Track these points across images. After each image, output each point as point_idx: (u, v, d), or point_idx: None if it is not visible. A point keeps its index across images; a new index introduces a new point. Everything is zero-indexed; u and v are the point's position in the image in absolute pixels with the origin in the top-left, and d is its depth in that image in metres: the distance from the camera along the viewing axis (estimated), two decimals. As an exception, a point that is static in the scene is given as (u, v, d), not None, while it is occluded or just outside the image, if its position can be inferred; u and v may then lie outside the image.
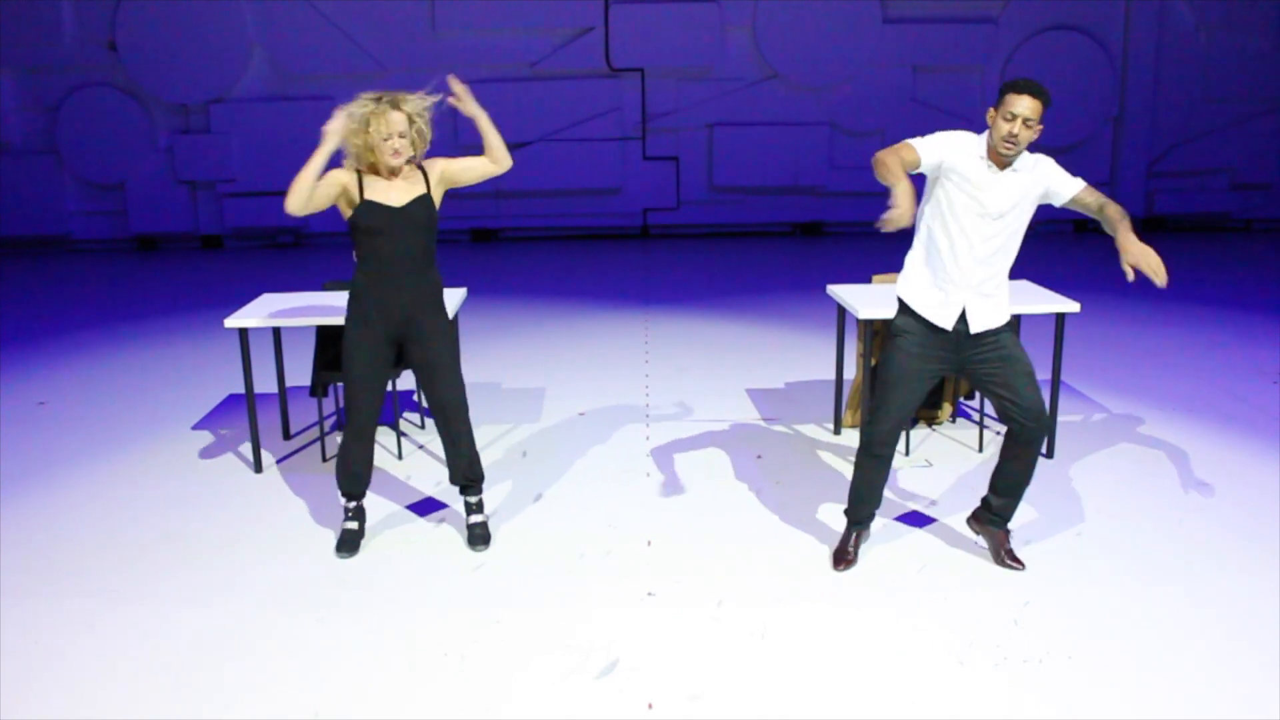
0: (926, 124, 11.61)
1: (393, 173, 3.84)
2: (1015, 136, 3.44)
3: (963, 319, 3.60)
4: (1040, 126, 3.51)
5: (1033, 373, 3.68)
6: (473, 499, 4.17)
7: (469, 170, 4.00)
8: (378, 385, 4.00)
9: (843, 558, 3.89)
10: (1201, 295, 8.75)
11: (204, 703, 3.09)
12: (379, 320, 3.90)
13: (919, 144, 3.51)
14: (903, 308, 3.70)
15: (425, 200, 3.88)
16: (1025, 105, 3.45)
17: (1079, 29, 11.82)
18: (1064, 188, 3.61)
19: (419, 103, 3.85)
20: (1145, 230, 12.43)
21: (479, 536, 4.12)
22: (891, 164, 3.37)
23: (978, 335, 3.62)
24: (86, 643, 3.43)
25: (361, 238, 3.86)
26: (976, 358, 3.66)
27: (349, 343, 3.94)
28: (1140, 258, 3.41)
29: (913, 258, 3.71)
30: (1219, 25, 11.86)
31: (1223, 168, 12.24)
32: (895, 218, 3.19)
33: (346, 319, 3.97)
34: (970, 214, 3.52)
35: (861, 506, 3.90)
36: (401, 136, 3.78)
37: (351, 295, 3.95)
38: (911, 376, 3.68)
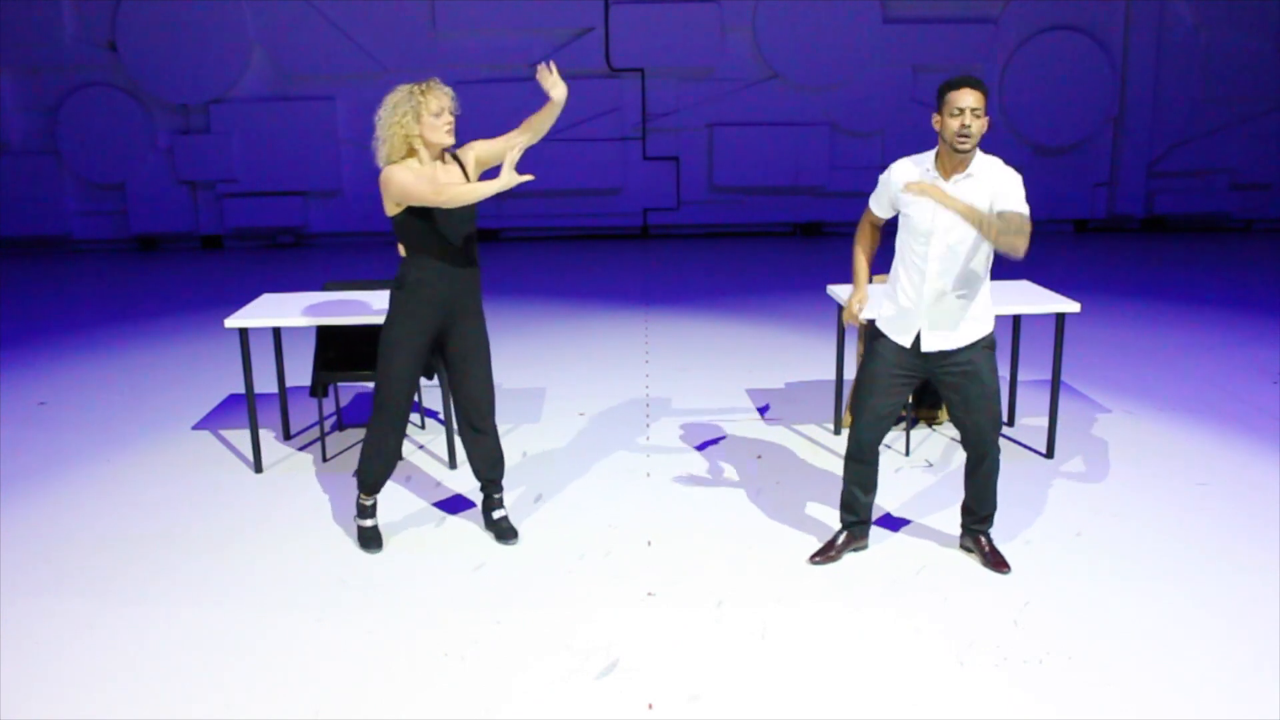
0: (926, 124, 11.61)
1: (436, 158, 3.80)
2: (968, 128, 3.41)
3: (919, 338, 3.67)
4: (987, 117, 3.48)
5: (992, 395, 3.69)
6: (496, 494, 4.20)
7: (501, 151, 3.96)
8: (416, 381, 4.01)
9: (822, 552, 3.95)
10: (1201, 295, 8.75)
11: (204, 703, 3.09)
12: (428, 315, 3.87)
13: (872, 202, 3.77)
14: (873, 324, 3.87)
15: None
16: (969, 97, 3.42)
17: (1079, 29, 11.81)
18: (1008, 204, 3.42)
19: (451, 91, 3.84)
20: (1145, 230, 12.45)
21: (507, 530, 4.16)
22: (859, 257, 3.87)
23: (936, 354, 3.67)
24: (86, 643, 3.43)
25: (412, 233, 3.81)
26: (940, 371, 3.71)
27: (394, 338, 3.88)
28: (931, 191, 3.36)
29: (890, 287, 3.79)
30: (1219, 25, 11.85)
31: (1223, 168, 12.23)
32: (848, 318, 3.82)
33: (392, 314, 3.89)
34: (916, 231, 3.58)
35: (844, 511, 3.98)
36: (451, 113, 3.76)
37: (400, 289, 3.86)
38: (883, 381, 3.74)
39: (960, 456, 4.99)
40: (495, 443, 4.14)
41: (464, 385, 4.04)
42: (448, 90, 3.79)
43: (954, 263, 3.56)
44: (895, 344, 3.70)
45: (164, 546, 4.16)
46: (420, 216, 3.78)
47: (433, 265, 3.84)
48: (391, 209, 3.79)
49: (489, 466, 4.15)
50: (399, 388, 3.93)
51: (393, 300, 3.92)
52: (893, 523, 4.27)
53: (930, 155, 3.58)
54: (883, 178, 3.70)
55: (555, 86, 3.90)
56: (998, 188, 3.46)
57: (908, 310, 3.65)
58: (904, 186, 3.45)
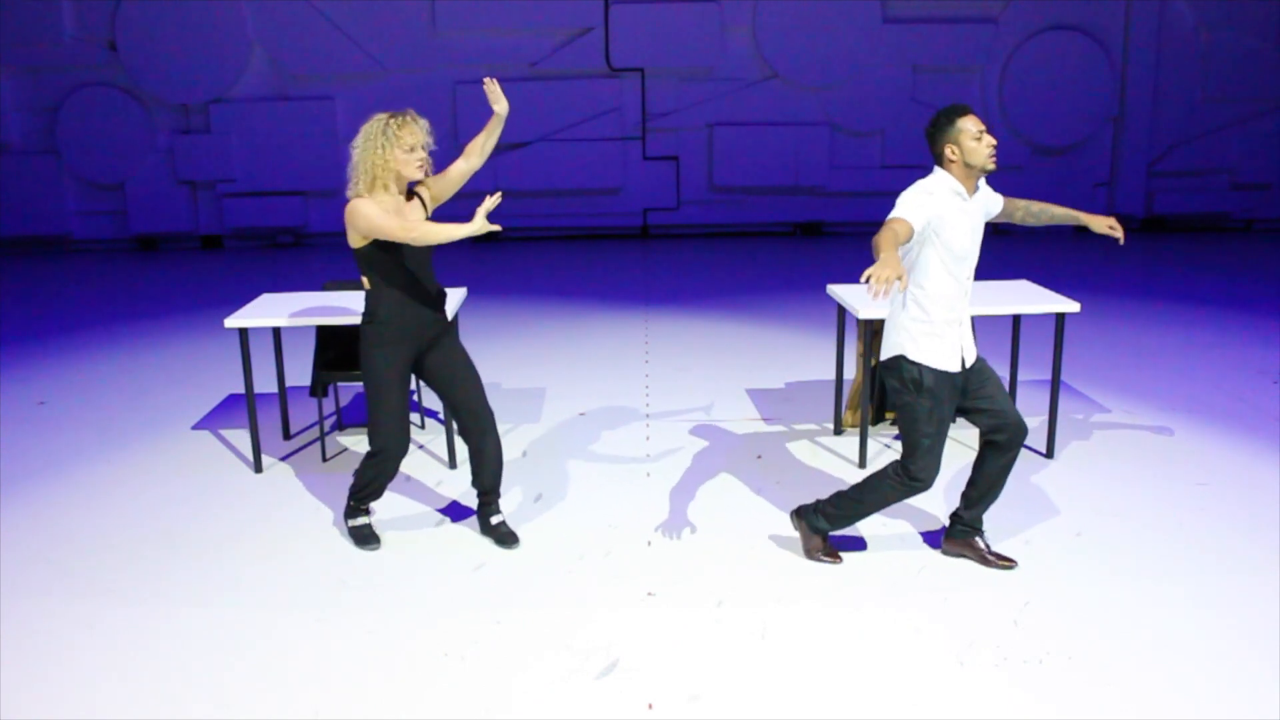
0: (927, 124, 11.46)
1: (402, 193, 3.80)
2: (995, 144, 3.55)
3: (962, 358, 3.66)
4: None
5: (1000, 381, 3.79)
6: (494, 500, 4.20)
7: (452, 182, 3.99)
8: (408, 411, 4.02)
9: (836, 554, 3.93)
10: (1201, 295, 8.75)
11: (204, 703, 3.09)
12: (405, 346, 3.87)
13: (906, 213, 3.46)
14: (915, 366, 3.61)
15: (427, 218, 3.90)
16: (979, 120, 3.57)
17: (1079, 29, 11.81)
18: (994, 202, 3.80)
19: (427, 124, 3.83)
20: (1145, 230, 12.44)
21: (507, 534, 4.14)
22: (886, 241, 3.29)
23: (970, 367, 3.69)
24: (86, 643, 3.43)
25: (379, 266, 3.80)
26: (970, 385, 3.69)
27: (379, 379, 3.86)
28: (1111, 221, 3.91)
29: (908, 317, 3.62)
30: (1219, 25, 11.85)
31: (1223, 168, 12.24)
32: (884, 276, 3.06)
33: (369, 351, 3.86)
34: (958, 254, 3.56)
35: (845, 525, 3.94)
36: (424, 149, 3.75)
37: (372, 322, 3.85)
38: (946, 420, 3.66)
39: (960, 455, 5.00)
40: (499, 450, 4.12)
41: (456, 397, 4.04)
42: (423, 123, 3.77)
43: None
44: (948, 375, 3.61)
45: (164, 546, 4.16)
46: (387, 250, 3.78)
47: (401, 297, 3.84)
48: (357, 241, 3.76)
49: (491, 475, 4.12)
50: (394, 427, 3.93)
51: (366, 336, 3.87)
52: (893, 524, 4.27)
53: (950, 183, 3.53)
54: (922, 199, 3.47)
55: (498, 101, 3.91)
56: (988, 197, 3.75)
57: (945, 335, 3.60)
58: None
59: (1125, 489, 4.59)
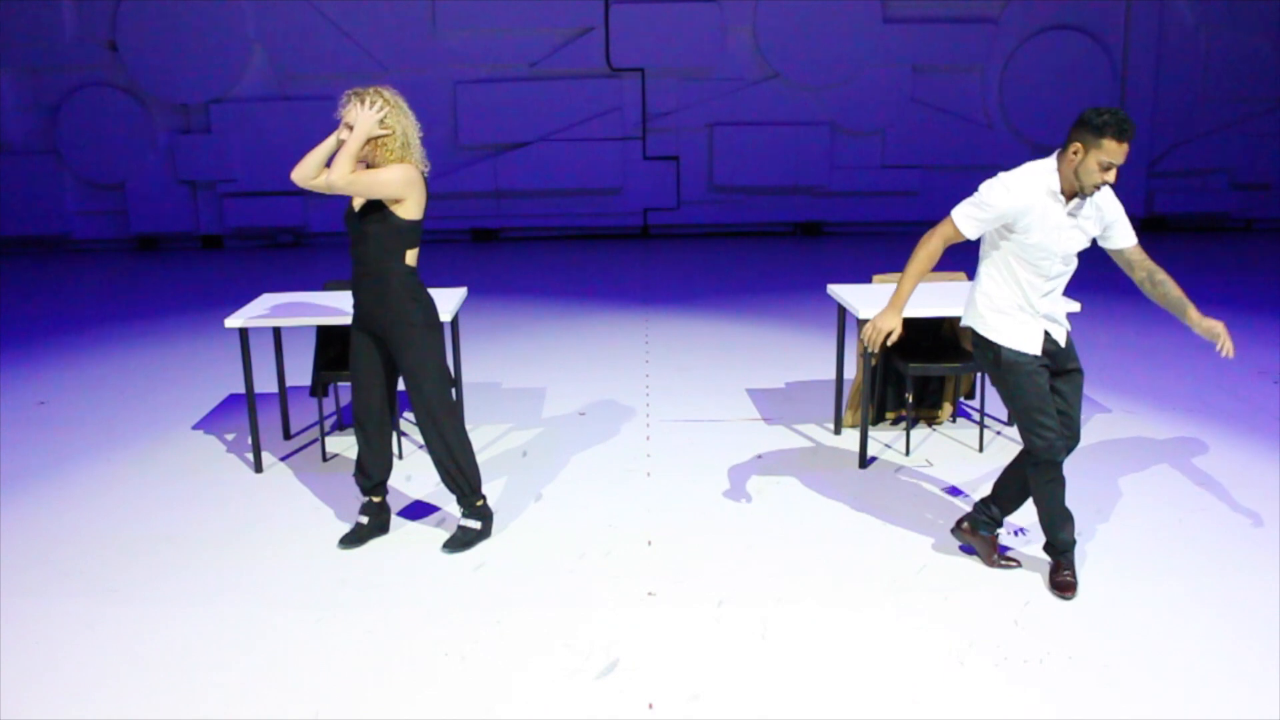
0: (926, 124, 11.66)
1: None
2: (1108, 183, 3.37)
3: (1049, 338, 3.60)
4: None
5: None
6: (459, 509, 4.15)
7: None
8: (373, 380, 4.02)
9: (1070, 585, 3.67)
10: (1201, 295, 8.69)
11: (204, 703, 3.09)
12: (357, 318, 4.01)
13: (964, 222, 3.44)
14: (988, 341, 3.60)
15: (375, 206, 3.82)
16: (1124, 154, 3.31)
17: (1079, 29, 11.81)
18: (1121, 237, 3.58)
19: (374, 98, 3.80)
20: (1145, 230, 12.44)
21: (453, 538, 4.09)
22: (913, 279, 3.46)
23: (1057, 349, 3.62)
24: (86, 643, 3.43)
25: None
26: (1057, 366, 3.64)
27: (351, 339, 4.07)
28: (1215, 329, 3.58)
29: (980, 294, 3.61)
30: (1219, 25, 11.85)
31: (1223, 168, 12.24)
32: (875, 334, 3.46)
33: None
34: (1035, 256, 3.48)
35: (1065, 535, 3.68)
36: (345, 125, 3.83)
37: None
38: (1042, 387, 3.56)
39: (960, 455, 5.00)
40: (441, 457, 4.01)
41: (409, 397, 4.02)
42: (353, 101, 3.83)
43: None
44: (1033, 357, 3.55)
45: (164, 546, 4.16)
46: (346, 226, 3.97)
47: (353, 273, 4.00)
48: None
49: (441, 479, 4.08)
50: (355, 387, 4.05)
51: None
52: (893, 522, 4.27)
53: (1049, 180, 3.41)
54: (992, 199, 3.41)
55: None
56: (1106, 217, 3.52)
57: (1019, 318, 3.55)
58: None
59: (1125, 489, 4.59)
